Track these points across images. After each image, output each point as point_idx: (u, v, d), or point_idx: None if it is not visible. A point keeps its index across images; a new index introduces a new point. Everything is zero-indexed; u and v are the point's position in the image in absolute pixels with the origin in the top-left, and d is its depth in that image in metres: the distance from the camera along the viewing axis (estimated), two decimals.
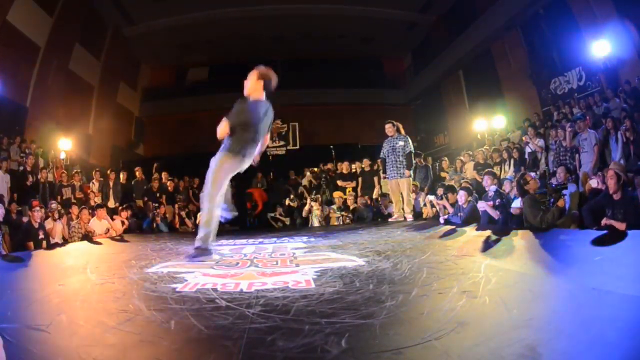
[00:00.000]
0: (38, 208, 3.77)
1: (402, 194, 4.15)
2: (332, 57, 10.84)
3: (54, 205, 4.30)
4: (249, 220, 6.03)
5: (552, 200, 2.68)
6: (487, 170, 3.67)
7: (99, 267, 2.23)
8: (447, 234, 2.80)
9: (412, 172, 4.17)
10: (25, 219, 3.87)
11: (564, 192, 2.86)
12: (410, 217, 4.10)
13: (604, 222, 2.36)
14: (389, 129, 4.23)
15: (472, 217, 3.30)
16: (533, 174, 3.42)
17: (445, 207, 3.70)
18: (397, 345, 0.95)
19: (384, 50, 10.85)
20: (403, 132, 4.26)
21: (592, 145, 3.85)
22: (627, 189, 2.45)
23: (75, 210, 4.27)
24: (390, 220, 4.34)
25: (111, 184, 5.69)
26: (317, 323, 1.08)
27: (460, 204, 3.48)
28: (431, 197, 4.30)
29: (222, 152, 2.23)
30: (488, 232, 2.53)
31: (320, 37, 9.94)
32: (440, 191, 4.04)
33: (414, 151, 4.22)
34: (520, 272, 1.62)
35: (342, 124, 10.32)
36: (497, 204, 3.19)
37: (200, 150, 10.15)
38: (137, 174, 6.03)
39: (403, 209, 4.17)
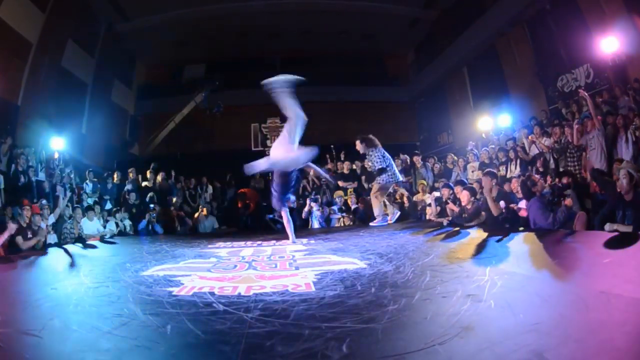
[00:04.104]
0: (27, 207, 3.69)
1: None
2: (332, 53, 10.67)
3: (44, 201, 4.22)
4: (241, 220, 6.00)
5: (555, 200, 2.66)
6: (486, 170, 3.63)
7: (92, 269, 2.19)
8: (450, 236, 2.79)
9: (387, 178, 3.96)
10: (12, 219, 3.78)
11: (568, 191, 2.84)
12: (375, 222, 4.05)
13: (608, 227, 2.32)
14: (357, 145, 4.08)
15: (477, 218, 3.28)
16: (538, 175, 3.38)
17: (455, 203, 3.64)
18: (400, 350, 0.93)
19: (386, 47, 10.66)
20: (378, 144, 3.99)
21: (599, 143, 3.76)
22: (638, 190, 2.40)
23: (64, 211, 4.18)
24: (389, 221, 4.32)
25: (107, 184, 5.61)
26: (317, 327, 1.07)
27: (463, 204, 3.45)
28: (437, 194, 4.26)
29: None
30: (492, 234, 2.52)
31: (320, 33, 9.78)
32: (445, 191, 3.99)
33: (384, 165, 3.96)
34: (526, 275, 1.60)
35: (343, 122, 10.24)
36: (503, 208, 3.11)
37: (198, 150, 10.12)
38: (131, 174, 5.95)
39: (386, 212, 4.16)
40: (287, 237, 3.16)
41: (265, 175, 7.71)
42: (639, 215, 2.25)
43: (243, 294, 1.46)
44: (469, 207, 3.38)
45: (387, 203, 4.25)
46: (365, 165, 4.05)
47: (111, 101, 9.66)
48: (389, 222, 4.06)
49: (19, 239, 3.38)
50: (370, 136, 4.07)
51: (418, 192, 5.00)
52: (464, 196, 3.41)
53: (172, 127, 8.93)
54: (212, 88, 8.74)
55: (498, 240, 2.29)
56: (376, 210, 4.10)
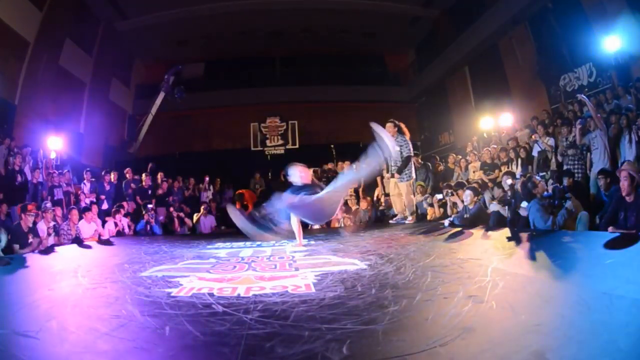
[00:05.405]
0: (32, 212, 3.63)
1: (401, 194, 4.10)
2: (332, 52, 10.61)
3: (48, 204, 4.18)
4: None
5: (556, 202, 2.66)
6: (505, 171, 3.61)
7: (90, 270, 2.17)
8: (452, 237, 2.78)
9: (409, 175, 4.04)
10: (15, 221, 3.75)
11: (568, 195, 2.83)
12: (409, 220, 4.05)
13: (610, 230, 2.28)
14: (388, 128, 4.05)
15: (479, 218, 3.26)
16: (539, 177, 3.37)
17: (455, 204, 3.64)
18: (401, 352, 0.93)
19: (387, 46, 10.63)
20: (407, 133, 4.10)
21: (602, 143, 3.73)
22: (639, 191, 2.38)
23: (59, 211, 4.14)
24: (390, 221, 4.31)
25: (106, 184, 5.57)
26: (317, 329, 1.06)
27: (465, 203, 3.43)
28: (439, 196, 4.25)
29: None
30: (494, 235, 2.51)
31: (320, 32, 9.73)
32: (445, 192, 3.99)
33: (412, 154, 4.10)
34: (528, 275, 1.60)
35: (343, 122, 10.21)
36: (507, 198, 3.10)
37: (197, 150, 10.08)
38: (127, 175, 5.91)
39: (404, 210, 4.14)
40: (287, 238, 3.15)
41: (265, 176, 7.72)
42: None
43: (242, 295, 1.45)
44: (471, 206, 3.37)
45: (393, 201, 4.25)
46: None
47: (109, 100, 9.61)
48: (410, 221, 4.04)
49: (16, 247, 3.33)
50: (403, 125, 4.10)
51: (417, 194, 5.00)
52: (466, 196, 3.40)
53: (151, 119, 8.84)
54: (176, 72, 8.63)
55: (499, 241, 2.27)
56: (403, 207, 4.07)
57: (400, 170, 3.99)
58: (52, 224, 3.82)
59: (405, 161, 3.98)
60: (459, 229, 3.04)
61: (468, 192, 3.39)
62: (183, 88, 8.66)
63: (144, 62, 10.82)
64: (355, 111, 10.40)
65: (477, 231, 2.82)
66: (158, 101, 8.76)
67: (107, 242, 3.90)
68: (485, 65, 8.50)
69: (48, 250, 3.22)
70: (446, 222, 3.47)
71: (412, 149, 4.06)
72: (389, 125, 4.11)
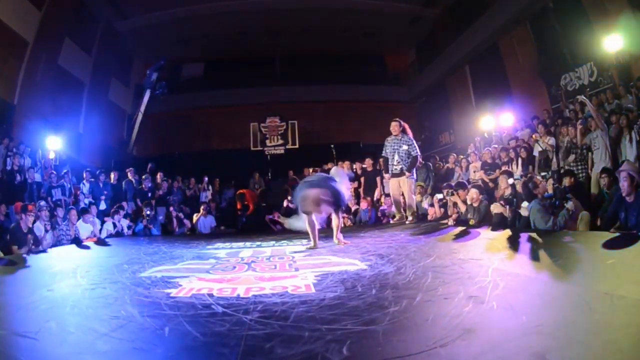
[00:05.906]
0: (32, 213, 3.62)
1: (402, 194, 4.09)
2: (332, 52, 10.61)
3: (43, 203, 4.16)
4: (240, 221, 5.98)
5: (557, 203, 2.66)
6: (503, 170, 3.60)
7: (89, 271, 2.17)
8: (452, 237, 2.78)
9: (413, 174, 4.07)
10: (14, 222, 3.74)
11: (569, 195, 2.82)
12: (409, 220, 4.05)
13: (611, 231, 2.29)
14: (394, 127, 4.06)
15: (485, 218, 3.24)
16: (539, 177, 3.36)
17: (455, 204, 3.62)
18: (401, 353, 0.92)
19: (387, 45, 10.62)
20: (410, 133, 4.10)
21: (603, 143, 3.73)
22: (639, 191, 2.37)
23: (60, 212, 4.13)
24: (391, 221, 4.30)
25: (100, 184, 5.56)
26: (317, 329, 1.06)
27: (469, 202, 3.41)
28: (439, 196, 4.24)
29: None
30: (495, 235, 2.51)
31: (319, 32, 9.70)
32: (445, 192, 3.98)
33: (419, 154, 4.10)
34: (528, 276, 1.59)
35: (343, 122, 10.19)
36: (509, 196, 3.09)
37: (197, 149, 10.08)
38: (129, 174, 5.90)
39: (405, 209, 4.12)
40: (287, 238, 3.14)
41: (265, 176, 7.71)
42: None
43: (242, 295, 1.45)
44: (475, 205, 3.34)
45: (394, 202, 4.24)
46: (401, 149, 3.95)
47: (109, 100, 9.60)
48: (409, 221, 4.03)
49: (15, 248, 3.31)
50: (406, 125, 4.11)
51: (417, 194, 4.98)
52: (471, 194, 3.37)
53: (141, 118, 8.79)
54: (158, 67, 8.58)
55: (500, 241, 2.27)
56: (403, 207, 4.08)
57: (410, 169, 3.98)
58: (47, 223, 3.80)
59: (414, 160, 3.98)
60: (460, 229, 3.04)
61: (473, 190, 3.36)
62: (165, 84, 8.57)
63: (143, 61, 10.80)
64: (355, 111, 10.40)
65: (477, 231, 2.82)
66: (145, 99, 8.71)
67: (105, 243, 3.89)
68: (485, 64, 8.49)
69: (47, 251, 3.21)
70: (450, 221, 3.44)
71: (418, 149, 4.06)
72: (394, 124, 4.10)
